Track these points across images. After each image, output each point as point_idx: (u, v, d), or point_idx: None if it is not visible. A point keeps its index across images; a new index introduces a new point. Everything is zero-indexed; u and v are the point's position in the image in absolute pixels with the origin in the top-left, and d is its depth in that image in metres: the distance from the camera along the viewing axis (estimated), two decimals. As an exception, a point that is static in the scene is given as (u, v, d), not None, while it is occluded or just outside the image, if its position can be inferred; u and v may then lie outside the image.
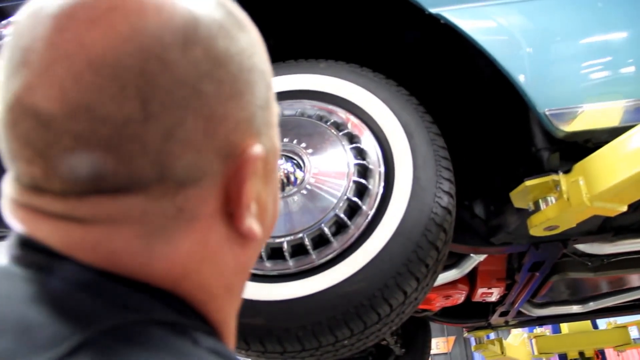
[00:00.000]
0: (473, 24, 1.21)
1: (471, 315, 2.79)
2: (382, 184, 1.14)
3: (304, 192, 1.13)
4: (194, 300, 0.38)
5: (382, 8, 1.47)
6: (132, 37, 0.33)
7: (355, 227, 1.09)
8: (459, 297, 2.27)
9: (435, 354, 13.73)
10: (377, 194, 1.13)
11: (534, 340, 4.19)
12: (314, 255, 1.09)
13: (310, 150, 1.17)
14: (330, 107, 1.24)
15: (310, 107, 1.25)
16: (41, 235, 0.35)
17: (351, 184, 1.12)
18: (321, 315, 1.02)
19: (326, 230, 1.08)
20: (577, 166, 1.13)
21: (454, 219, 1.17)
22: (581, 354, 4.47)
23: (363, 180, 1.13)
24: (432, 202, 1.09)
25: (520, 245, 1.61)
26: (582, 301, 2.66)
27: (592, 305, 2.65)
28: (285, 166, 1.18)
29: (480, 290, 2.19)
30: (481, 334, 3.30)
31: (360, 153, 1.17)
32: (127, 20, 0.34)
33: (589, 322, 4.27)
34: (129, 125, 0.33)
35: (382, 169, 1.16)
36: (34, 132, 0.34)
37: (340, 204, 1.10)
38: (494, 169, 1.55)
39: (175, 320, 0.34)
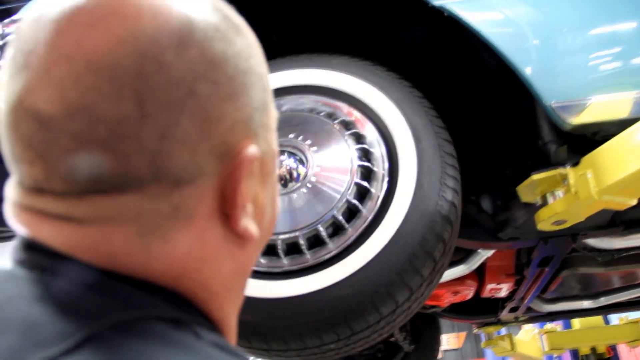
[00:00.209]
0: (477, 15, 1.19)
1: (480, 311, 2.77)
2: (385, 185, 1.12)
3: (304, 190, 1.11)
4: (195, 298, 0.39)
5: (386, 1, 1.45)
6: (129, 39, 0.34)
7: (353, 230, 1.08)
8: (468, 293, 2.25)
9: (446, 350, 13.71)
10: (378, 196, 1.11)
11: (544, 336, 4.15)
12: (308, 254, 1.08)
13: (314, 148, 1.16)
14: (336, 102, 1.22)
15: (314, 102, 1.24)
16: (43, 237, 0.36)
17: (352, 186, 1.11)
18: (310, 316, 1.01)
19: (322, 231, 1.07)
20: (585, 159, 1.11)
21: (457, 229, 1.16)
22: (593, 349, 4.43)
23: (365, 183, 1.12)
24: (433, 211, 1.07)
25: (529, 240, 1.59)
26: (593, 296, 2.63)
27: (603, 301, 2.61)
28: (287, 162, 1.17)
29: (489, 286, 2.17)
30: (491, 330, 3.28)
31: (364, 152, 1.16)
32: (124, 24, 0.35)
33: (600, 317, 4.22)
34: (125, 125, 0.34)
35: (386, 166, 1.14)
36: (34, 133, 0.35)
37: (340, 205, 1.08)
38: (501, 163, 1.53)
39: (177, 316, 0.35)
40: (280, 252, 1.09)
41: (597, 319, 4.23)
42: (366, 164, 1.14)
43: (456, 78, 1.54)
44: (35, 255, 0.36)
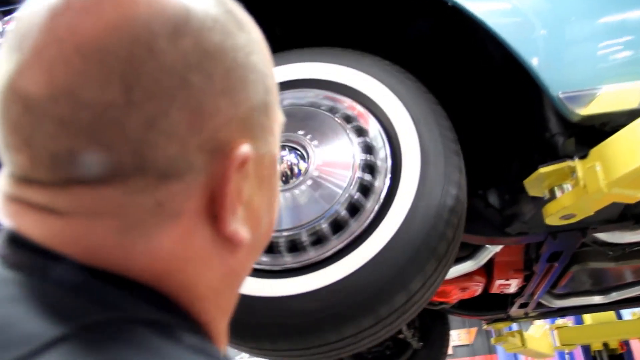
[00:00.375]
0: (480, 5, 1.16)
1: (489, 307, 2.74)
2: (388, 180, 1.10)
3: (303, 187, 1.09)
4: (179, 299, 0.37)
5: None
6: (121, 24, 0.34)
7: (356, 226, 1.05)
8: (476, 289, 2.22)
9: (457, 346, 13.67)
10: (381, 191, 1.09)
11: (555, 332, 4.11)
12: (310, 252, 1.06)
13: (315, 142, 1.14)
14: (337, 95, 1.20)
15: (315, 96, 1.21)
16: (27, 229, 0.35)
17: (355, 181, 1.08)
18: (314, 315, 0.99)
19: (323, 228, 1.05)
20: (594, 151, 1.08)
21: (462, 223, 1.13)
22: (605, 345, 4.39)
23: (367, 177, 1.10)
24: (438, 205, 1.04)
25: (537, 235, 1.56)
26: (604, 291, 2.59)
27: (614, 296, 2.57)
28: (288, 157, 1.15)
29: (498, 282, 2.14)
30: (501, 326, 3.24)
31: (366, 146, 1.13)
32: (118, 9, 0.34)
33: (612, 312, 4.17)
34: (110, 112, 0.33)
35: (389, 162, 1.12)
36: (21, 117, 0.34)
37: (341, 201, 1.06)
38: (508, 157, 1.50)
39: (157, 318, 0.34)
40: (282, 249, 1.07)
41: (609, 314, 4.18)
42: (369, 157, 1.11)
43: (461, 70, 1.51)
44: (17, 250, 0.35)
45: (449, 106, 1.29)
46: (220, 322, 0.41)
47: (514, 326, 3.56)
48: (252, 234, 0.41)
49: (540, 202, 1.29)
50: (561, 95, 1.10)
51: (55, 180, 0.34)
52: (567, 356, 5.37)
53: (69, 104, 0.33)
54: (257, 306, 1.04)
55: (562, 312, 2.96)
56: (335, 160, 1.12)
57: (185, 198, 0.36)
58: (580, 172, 1.09)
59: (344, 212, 1.06)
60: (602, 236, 1.73)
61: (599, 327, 4.12)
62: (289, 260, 1.06)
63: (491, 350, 12.96)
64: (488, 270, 2.12)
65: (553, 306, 2.64)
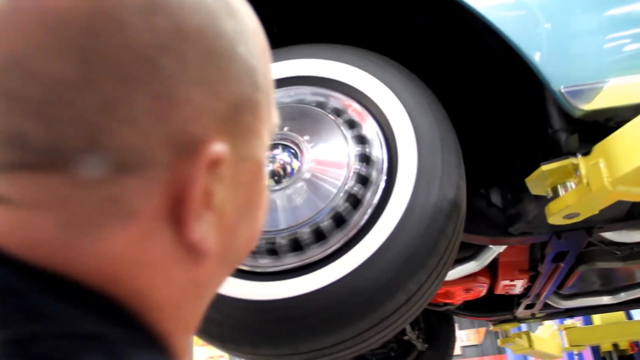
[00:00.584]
0: (478, -4, 1.12)
1: (495, 308, 2.69)
2: (384, 180, 1.06)
3: (298, 185, 1.06)
4: (131, 308, 0.33)
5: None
6: None
7: (351, 226, 1.02)
8: (481, 290, 2.18)
9: (466, 346, 13.59)
10: (377, 188, 1.05)
11: (564, 332, 4.05)
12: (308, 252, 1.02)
13: (307, 137, 1.10)
14: (329, 92, 1.16)
15: (307, 93, 1.18)
16: None
17: (349, 180, 1.05)
18: (309, 318, 0.96)
19: (312, 230, 1.02)
20: (597, 147, 1.03)
21: (462, 220, 1.09)
22: (615, 346, 4.32)
23: (363, 170, 1.06)
24: (436, 203, 1.00)
25: (541, 235, 1.52)
26: (613, 292, 2.53)
27: (623, 296, 2.52)
28: (281, 156, 1.11)
29: (503, 283, 2.10)
30: (507, 327, 3.19)
31: (362, 148, 1.10)
32: None
33: (622, 312, 4.11)
34: (62, 88, 0.29)
35: (385, 154, 1.08)
36: None
37: (336, 201, 1.02)
38: (511, 154, 1.46)
39: (94, 330, 0.29)
40: (280, 250, 1.03)
41: (619, 315, 4.11)
42: (365, 151, 1.08)
43: (461, 66, 1.47)
44: None
45: (449, 103, 1.25)
46: (181, 337, 0.37)
47: (524, 326, 3.51)
48: (222, 245, 0.37)
49: (543, 201, 1.24)
50: (563, 90, 1.06)
51: (1, 163, 0.31)
52: (576, 357, 5.30)
53: (19, 75, 0.30)
54: (252, 310, 1.01)
55: (570, 312, 2.91)
56: (329, 157, 1.09)
57: (143, 196, 0.32)
58: (583, 170, 1.05)
59: (339, 211, 1.03)
60: (609, 235, 1.69)
61: (608, 327, 4.06)
62: (276, 262, 1.03)
63: (500, 351, 12.86)
64: (492, 271, 2.08)
65: (560, 307, 2.59)
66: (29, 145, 0.30)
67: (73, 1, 0.30)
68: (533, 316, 2.79)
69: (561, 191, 1.12)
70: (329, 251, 1.01)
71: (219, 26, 0.34)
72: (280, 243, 1.03)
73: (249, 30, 0.37)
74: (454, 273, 1.90)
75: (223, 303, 0.99)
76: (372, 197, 1.04)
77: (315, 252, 1.01)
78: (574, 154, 1.10)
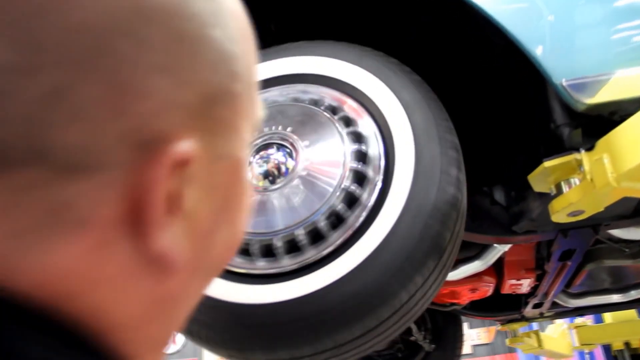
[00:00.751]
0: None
1: (503, 307, 2.65)
2: (381, 177, 1.03)
3: (293, 185, 1.03)
4: (87, 329, 0.29)
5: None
6: None
7: (339, 234, 0.99)
8: (487, 289, 2.14)
9: (476, 345, 13.50)
10: (374, 187, 1.02)
11: (574, 331, 3.99)
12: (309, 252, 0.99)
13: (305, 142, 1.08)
14: (323, 89, 1.13)
15: (300, 91, 1.15)
16: None
17: (345, 177, 1.01)
18: (305, 321, 0.93)
19: (305, 233, 0.99)
20: (601, 142, 1.00)
21: (462, 218, 1.05)
22: (627, 344, 4.26)
23: (359, 167, 1.03)
24: (434, 200, 0.97)
25: (546, 233, 1.48)
26: (623, 290, 2.48)
27: (634, 294, 2.47)
28: (275, 156, 1.09)
29: (509, 282, 2.06)
30: (516, 326, 3.14)
31: (358, 147, 1.07)
32: None
33: (634, 310, 4.04)
34: None
35: (382, 151, 1.05)
36: None
37: (332, 201, 0.99)
38: (514, 151, 1.43)
39: (42, 356, 0.26)
40: (278, 252, 1.00)
41: (631, 313, 4.04)
42: (361, 148, 1.05)
43: (463, 62, 1.44)
44: None
45: (451, 100, 1.22)
46: (148, 358, 0.33)
47: (535, 325, 3.46)
48: (196, 253, 0.33)
49: (547, 199, 1.21)
50: (565, 83, 1.03)
51: None
52: (587, 356, 5.23)
53: None
54: (246, 314, 0.98)
55: (579, 311, 2.86)
56: (323, 152, 1.06)
57: (96, 202, 0.27)
58: (587, 165, 1.01)
59: (334, 211, 1.00)
60: (617, 232, 1.64)
61: (619, 325, 3.99)
62: (270, 265, 1.00)
63: (511, 349, 12.76)
64: (498, 270, 2.04)
65: (569, 306, 2.54)
66: None
67: None
68: (541, 315, 2.75)
69: (565, 188, 1.09)
70: (324, 253, 0.99)
71: (188, 6, 0.30)
72: (276, 245, 1.00)
73: (225, 11, 0.33)
74: (459, 273, 1.86)
75: (211, 305, 0.97)
76: (369, 197, 1.01)
77: (309, 255, 0.98)
78: (577, 150, 1.07)
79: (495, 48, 1.29)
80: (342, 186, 1.01)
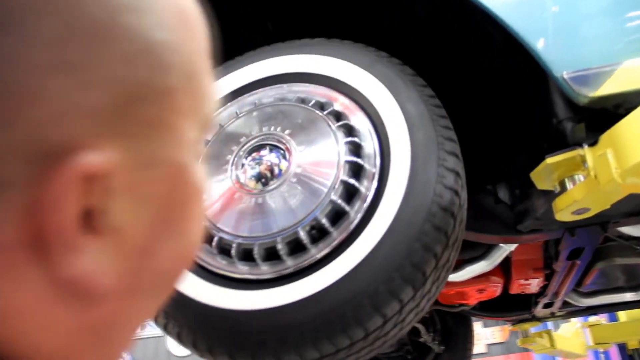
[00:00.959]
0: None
1: (512, 308, 2.60)
2: (377, 174, 0.99)
3: (286, 185, 0.99)
4: None
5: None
6: None
7: (336, 235, 0.95)
8: (494, 289, 2.09)
9: (491, 344, 13.38)
10: (370, 186, 0.98)
11: (588, 330, 3.91)
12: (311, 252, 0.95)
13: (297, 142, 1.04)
14: (311, 87, 1.10)
15: (287, 91, 1.12)
16: None
17: (343, 170, 0.98)
18: (302, 327, 0.89)
19: (305, 233, 0.95)
20: (604, 136, 0.95)
21: (461, 219, 1.01)
22: (642, 342, 4.17)
23: (355, 159, 0.99)
24: (431, 200, 0.92)
25: (552, 231, 1.43)
26: (636, 288, 2.42)
27: (647, 293, 2.41)
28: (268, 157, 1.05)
29: (517, 282, 2.01)
30: (527, 326, 3.08)
31: (348, 130, 1.03)
32: None
33: (649, 308, 3.96)
34: None
35: (377, 147, 1.01)
36: None
37: (325, 203, 0.96)
38: (517, 148, 1.38)
39: None
40: (283, 254, 0.97)
41: (646, 310, 3.96)
42: (355, 142, 1.01)
43: (462, 58, 1.39)
44: None
45: (451, 96, 1.18)
46: None
47: (549, 324, 3.39)
48: (132, 273, 0.29)
49: (552, 196, 1.16)
50: (566, 76, 0.98)
51: None
52: (602, 355, 5.14)
53: None
54: (239, 320, 0.95)
55: (592, 310, 2.80)
56: (319, 158, 1.02)
57: None
58: (590, 161, 0.97)
59: (328, 214, 0.96)
60: (628, 230, 1.59)
61: (635, 324, 3.90)
62: (268, 269, 0.97)
63: (527, 348, 12.63)
64: (505, 270, 1.99)
65: (581, 305, 2.48)
66: None
67: None
68: (553, 315, 2.69)
69: (569, 185, 1.05)
70: (319, 256, 0.95)
71: None
72: (277, 247, 0.96)
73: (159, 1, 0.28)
74: (465, 273, 1.82)
75: (192, 307, 0.94)
76: (365, 195, 0.97)
77: (302, 260, 0.94)
78: (581, 145, 1.02)
79: (495, 42, 1.25)
80: (336, 186, 0.98)
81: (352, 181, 0.97)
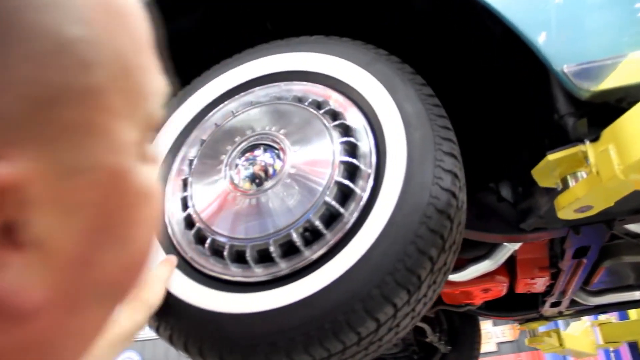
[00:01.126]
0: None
1: (519, 307, 2.57)
2: (373, 171, 0.96)
3: (282, 184, 0.97)
4: None
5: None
6: None
7: (335, 231, 0.92)
8: (500, 289, 2.06)
9: (501, 342, 13.31)
10: (366, 184, 0.95)
11: (598, 328, 3.86)
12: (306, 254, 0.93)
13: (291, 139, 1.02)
14: (308, 86, 1.08)
15: (283, 89, 1.10)
16: None
17: (338, 170, 0.95)
18: (292, 332, 0.86)
19: (299, 236, 0.92)
20: (606, 132, 0.92)
21: (460, 219, 0.98)
22: (654, 341, 4.11)
23: (350, 159, 0.97)
24: (427, 201, 0.89)
25: (556, 230, 1.40)
26: (645, 286, 2.38)
27: (658, 290, 2.36)
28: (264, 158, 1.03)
29: (523, 281, 1.98)
30: (535, 325, 3.04)
31: (343, 128, 1.00)
32: None
33: (660, 306, 3.90)
34: None
35: (373, 146, 0.98)
36: None
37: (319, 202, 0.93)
38: (519, 144, 1.35)
39: None
40: (276, 256, 0.94)
41: (657, 308, 3.90)
42: (349, 139, 0.98)
43: (462, 54, 1.37)
44: None
45: (450, 93, 1.15)
46: None
47: (560, 323, 3.34)
48: (69, 285, 0.27)
49: (555, 194, 1.14)
50: (566, 70, 0.95)
51: None
52: (612, 354, 5.08)
53: None
54: (230, 323, 0.92)
55: (601, 309, 2.76)
56: (314, 158, 1.00)
57: None
58: (592, 157, 0.94)
59: (324, 214, 0.94)
60: (635, 227, 1.56)
61: (645, 322, 3.86)
62: (261, 272, 0.94)
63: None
64: (510, 269, 1.96)
65: (589, 303, 2.44)
66: None
67: None
68: (561, 314, 2.65)
69: (571, 182, 1.02)
70: (312, 258, 0.93)
71: None
72: (271, 249, 0.94)
73: None
74: (469, 273, 1.79)
75: (184, 310, 0.92)
76: (360, 196, 0.95)
77: (295, 262, 0.92)
78: (583, 141, 0.99)
79: (495, 37, 1.22)
80: (332, 185, 0.95)
81: (346, 182, 0.94)
